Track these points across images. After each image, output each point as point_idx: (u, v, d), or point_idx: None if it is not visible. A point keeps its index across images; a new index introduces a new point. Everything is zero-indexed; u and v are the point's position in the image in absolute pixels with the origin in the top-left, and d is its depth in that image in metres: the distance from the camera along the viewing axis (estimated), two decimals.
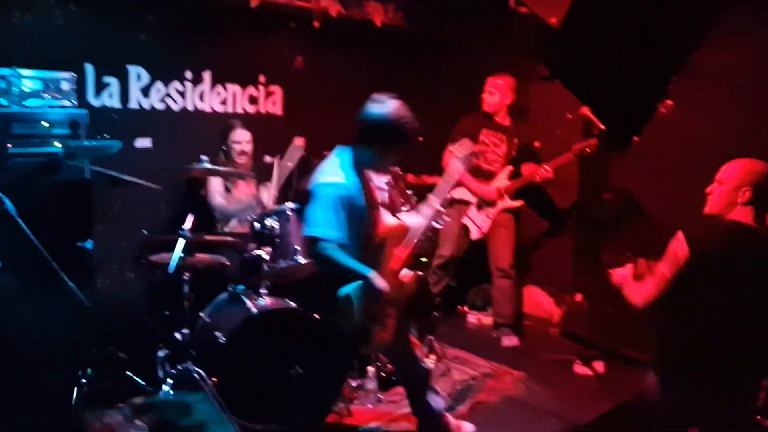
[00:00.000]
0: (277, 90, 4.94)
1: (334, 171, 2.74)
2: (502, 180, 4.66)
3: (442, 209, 2.93)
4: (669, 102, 4.18)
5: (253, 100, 4.83)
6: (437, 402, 3.14)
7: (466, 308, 5.26)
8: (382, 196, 3.01)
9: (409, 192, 4.69)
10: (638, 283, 2.63)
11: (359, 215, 2.74)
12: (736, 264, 2.45)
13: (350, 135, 2.81)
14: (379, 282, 2.68)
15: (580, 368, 4.19)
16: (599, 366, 4.17)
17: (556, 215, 5.15)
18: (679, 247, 2.46)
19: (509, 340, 4.62)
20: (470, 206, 4.71)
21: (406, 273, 2.87)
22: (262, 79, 4.86)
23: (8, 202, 1.82)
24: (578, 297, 4.83)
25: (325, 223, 2.64)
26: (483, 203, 4.67)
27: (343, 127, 5.06)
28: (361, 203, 2.74)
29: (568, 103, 4.77)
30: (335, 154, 2.82)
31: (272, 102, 4.94)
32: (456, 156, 2.99)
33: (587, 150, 4.36)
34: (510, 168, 4.67)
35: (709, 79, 4.09)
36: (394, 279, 2.78)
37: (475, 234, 4.71)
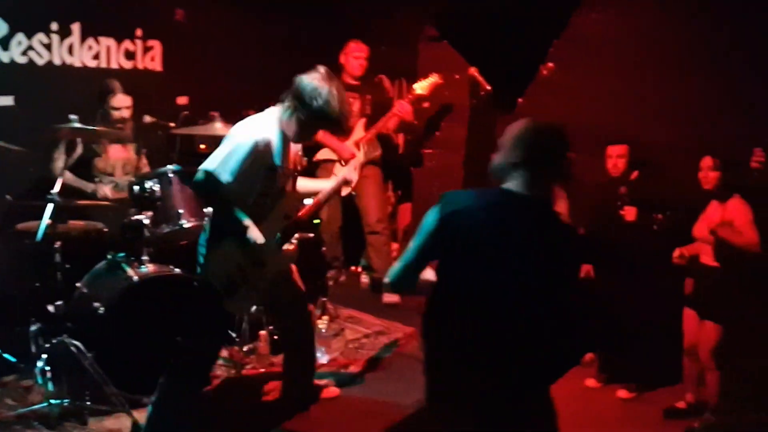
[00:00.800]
0: (156, 44, 4.63)
1: (258, 123, 2.71)
2: (358, 132, 4.73)
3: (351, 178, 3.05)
4: (550, 64, 4.35)
5: (130, 56, 4.51)
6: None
7: (359, 269, 5.30)
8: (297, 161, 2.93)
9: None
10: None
11: (265, 172, 2.70)
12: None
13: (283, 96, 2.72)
14: (255, 234, 2.66)
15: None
16: None
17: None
18: None
19: (389, 297, 4.69)
20: (335, 164, 4.72)
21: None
22: (139, 32, 4.53)
23: None
24: None
25: (223, 164, 2.59)
26: (343, 158, 4.71)
27: (227, 84, 4.93)
28: (272, 161, 2.69)
29: (456, 64, 4.86)
30: (268, 111, 2.78)
31: (151, 57, 4.63)
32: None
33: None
34: (363, 120, 4.74)
35: (587, 41, 4.28)
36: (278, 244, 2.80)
37: (344, 191, 4.64)
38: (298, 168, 2.98)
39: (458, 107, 4.95)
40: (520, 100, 4.55)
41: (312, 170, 4.66)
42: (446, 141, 5.02)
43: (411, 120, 4.64)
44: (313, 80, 2.62)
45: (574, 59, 4.34)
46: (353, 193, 4.71)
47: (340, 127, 2.84)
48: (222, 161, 2.59)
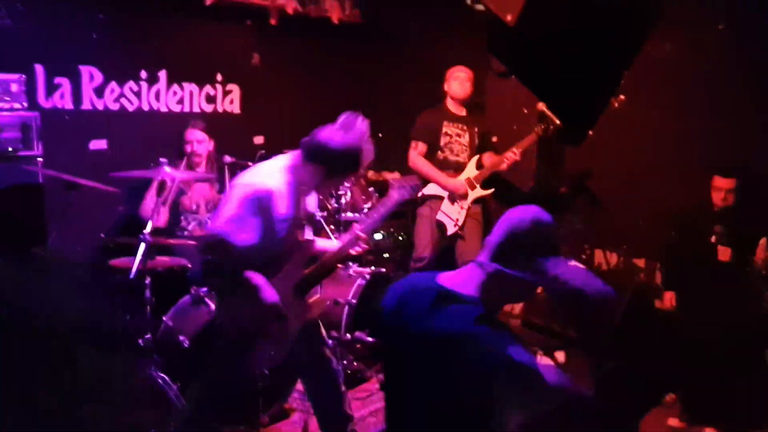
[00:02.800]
0: (234, 88, 4.90)
1: (264, 172, 2.61)
2: (471, 170, 4.61)
3: (363, 236, 2.82)
4: (622, 96, 4.31)
5: (211, 99, 4.78)
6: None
7: None
8: (310, 211, 2.84)
9: (370, 189, 4.74)
10: None
11: (274, 224, 2.56)
12: None
13: (302, 145, 2.62)
14: (268, 294, 2.55)
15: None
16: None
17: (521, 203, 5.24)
18: None
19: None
20: (443, 201, 4.61)
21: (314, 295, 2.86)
22: (219, 77, 4.80)
23: None
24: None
25: (231, 223, 2.49)
26: (455, 196, 4.59)
27: (301, 124, 5.10)
28: (282, 213, 2.57)
29: (524, 98, 4.88)
30: (281, 156, 2.69)
31: (230, 101, 4.89)
32: (395, 186, 2.92)
33: (550, 128, 4.35)
34: (478, 157, 4.64)
35: (659, 72, 4.23)
36: (296, 296, 2.72)
37: (451, 229, 4.60)
38: (313, 216, 2.89)
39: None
40: (590, 132, 4.51)
41: (413, 204, 4.67)
42: (515, 174, 5.01)
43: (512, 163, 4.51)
44: (338, 135, 2.51)
45: (646, 91, 4.28)
46: (459, 231, 4.58)
47: (358, 167, 2.64)
48: (231, 221, 2.48)
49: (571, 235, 4.77)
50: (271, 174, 2.58)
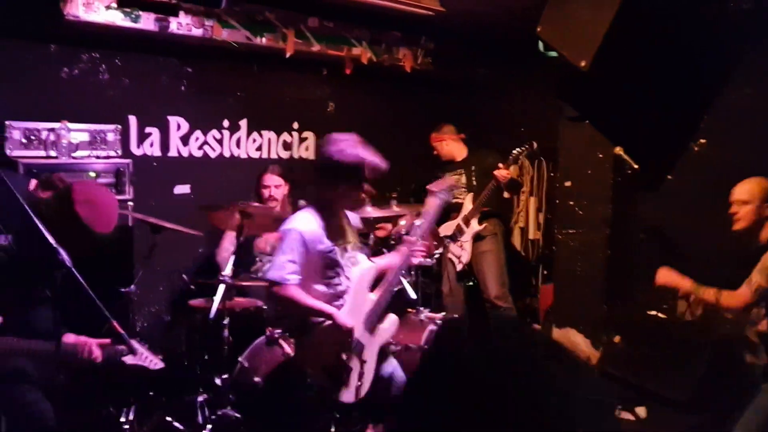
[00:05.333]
0: (310, 135, 5.07)
1: (297, 216, 2.78)
2: (467, 207, 4.79)
3: (418, 242, 2.91)
4: (702, 140, 4.18)
5: (287, 146, 4.96)
6: None
7: None
8: (356, 227, 2.96)
9: (441, 235, 4.77)
10: (732, 292, 2.86)
11: (321, 256, 2.70)
12: None
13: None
14: (344, 319, 2.64)
15: (622, 413, 4.10)
16: (641, 411, 4.07)
17: None
18: None
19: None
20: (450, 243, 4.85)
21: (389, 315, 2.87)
22: (295, 125, 4.99)
23: (64, 253, 1.90)
24: (616, 338, 4.75)
25: (280, 267, 2.62)
26: (455, 235, 4.79)
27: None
28: (324, 245, 2.70)
29: (598, 142, 4.81)
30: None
31: (305, 147, 5.06)
32: (434, 192, 3.06)
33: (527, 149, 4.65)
34: (471, 194, 4.81)
35: (740, 116, 4.09)
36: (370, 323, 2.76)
37: (458, 266, 4.83)
38: (361, 236, 2.98)
39: (601, 185, 4.85)
40: (668, 177, 4.38)
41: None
42: (588, 220, 4.90)
43: (506, 180, 4.60)
44: (323, 150, 2.76)
45: (727, 135, 4.14)
46: (466, 268, 4.79)
47: (360, 174, 2.75)
48: (280, 266, 2.62)
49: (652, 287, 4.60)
50: (303, 215, 2.76)
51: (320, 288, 2.73)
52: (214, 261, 4.12)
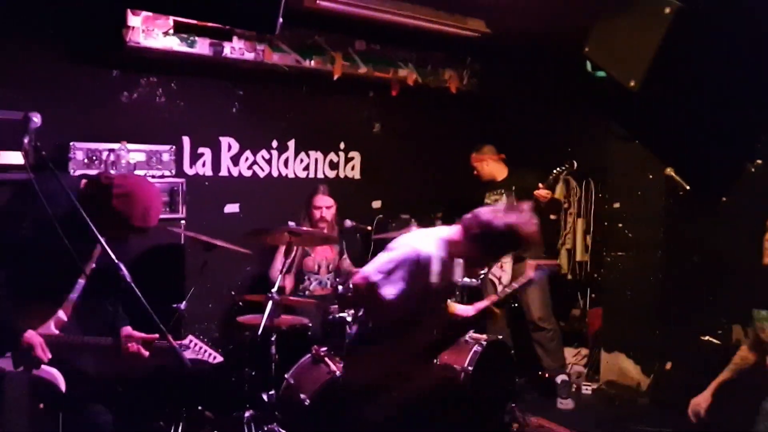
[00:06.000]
0: (356, 155, 5.14)
1: (425, 237, 2.71)
2: None
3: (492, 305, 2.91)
4: (759, 161, 4.06)
5: (334, 166, 5.04)
6: None
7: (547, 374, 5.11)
8: (456, 281, 2.85)
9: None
10: None
11: (419, 288, 2.62)
12: None
13: (463, 222, 2.70)
14: (393, 350, 2.63)
15: None
16: None
17: None
18: None
19: (564, 404, 4.51)
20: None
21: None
22: (342, 145, 5.07)
23: (124, 269, 1.98)
24: (668, 365, 4.61)
25: (385, 275, 2.56)
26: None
27: (418, 190, 5.26)
28: (428, 279, 2.63)
29: (648, 163, 4.72)
30: (440, 228, 2.81)
31: (351, 167, 5.13)
32: (535, 267, 3.01)
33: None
34: None
35: None
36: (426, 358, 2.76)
37: (498, 287, 4.75)
38: (451, 288, 2.95)
39: (651, 207, 4.75)
40: (723, 198, 4.26)
41: None
42: (638, 242, 4.80)
43: (547, 200, 4.55)
44: (499, 218, 2.57)
45: None
46: (508, 290, 4.71)
47: (514, 251, 2.80)
48: (386, 274, 2.56)
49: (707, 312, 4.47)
50: (432, 242, 2.66)
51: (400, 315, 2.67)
52: (265, 278, 4.21)
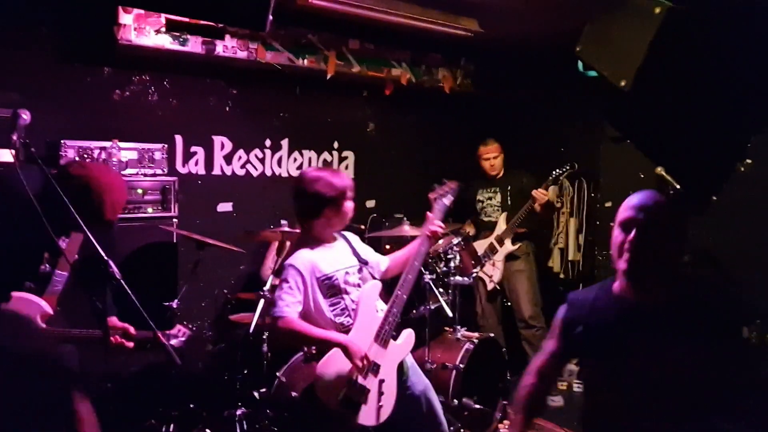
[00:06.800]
0: (349, 155, 5.15)
1: (296, 254, 2.77)
2: (500, 227, 4.81)
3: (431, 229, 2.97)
4: (748, 161, 4.09)
5: (327, 165, 5.04)
6: None
7: None
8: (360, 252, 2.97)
9: (479, 254, 4.76)
10: None
11: (320, 283, 2.71)
12: None
13: None
14: (354, 347, 2.59)
15: None
16: None
17: None
18: None
19: (553, 401, 4.51)
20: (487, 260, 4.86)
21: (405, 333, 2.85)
22: (335, 144, 5.08)
23: (114, 267, 1.98)
24: None
25: (277, 301, 2.64)
26: (487, 254, 4.81)
27: (411, 189, 5.27)
28: (321, 272, 2.71)
29: (640, 163, 4.74)
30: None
31: (345, 166, 5.13)
32: (435, 199, 3.12)
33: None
34: (505, 213, 4.83)
35: None
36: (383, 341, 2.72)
37: (489, 285, 4.85)
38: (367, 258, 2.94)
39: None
40: (713, 198, 4.28)
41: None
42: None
43: (544, 201, 4.56)
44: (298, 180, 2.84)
45: None
46: (497, 287, 4.82)
47: (317, 201, 2.78)
48: (284, 301, 2.62)
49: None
50: (299, 251, 2.78)
51: (328, 316, 2.72)
52: (257, 277, 4.21)
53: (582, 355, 2.12)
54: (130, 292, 1.92)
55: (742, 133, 4.51)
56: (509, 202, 4.88)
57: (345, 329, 2.72)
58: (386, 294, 2.90)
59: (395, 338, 2.80)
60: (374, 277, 2.91)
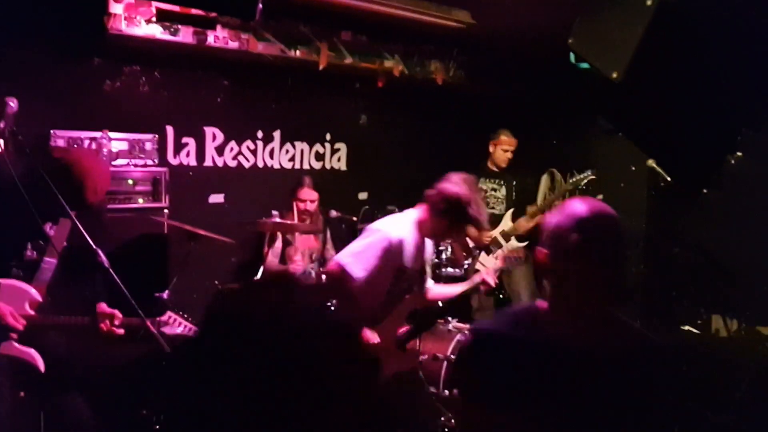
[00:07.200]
0: (342, 147, 5.14)
1: (395, 222, 2.83)
2: (506, 222, 4.81)
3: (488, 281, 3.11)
4: (739, 153, 4.11)
5: (320, 157, 5.03)
6: None
7: None
8: (427, 261, 3.05)
9: (471, 246, 4.77)
10: None
11: (394, 270, 2.77)
12: None
13: (429, 198, 2.87)
14: (369, 335, 2.67)
15: None
16: None
17: None
18: None
19: None
20: (480, 253, 4.82)
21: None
22: (328, 136, 5.06)
23: (102, 256, 1.97)
24: None
25: (357, 259, 2.71)
26: (490, 249, 4.80)
27: (403, 181, 5.27)
28: (402, 262, 2.77)
29: (631, 155, 4.76)
30: (408, 211, 2.92)
31: (337, 158, 5.12)
32: (504, 258, 3.28)
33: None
34: (512, 210, 4.84)
35: None
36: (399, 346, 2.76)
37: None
38: (426, 269, 3.02)
39: (634, 199, 4.79)
40: (704, 190, 4.30)
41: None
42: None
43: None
44: (461, 189, 2.75)
45: (764, 147, 4.06)
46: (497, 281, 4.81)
47: (470, 220, 2.85)
48: (356, 256, 2.70)
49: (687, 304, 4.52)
50: (402, 226, 2.82)
51: (372, 299, 2.77)
52: (248, 267, 4.20)
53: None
54: (117, 279, 1.91)
55: (733, 126, 4.53)
56: (513, 198, 4.87)
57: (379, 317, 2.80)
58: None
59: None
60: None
